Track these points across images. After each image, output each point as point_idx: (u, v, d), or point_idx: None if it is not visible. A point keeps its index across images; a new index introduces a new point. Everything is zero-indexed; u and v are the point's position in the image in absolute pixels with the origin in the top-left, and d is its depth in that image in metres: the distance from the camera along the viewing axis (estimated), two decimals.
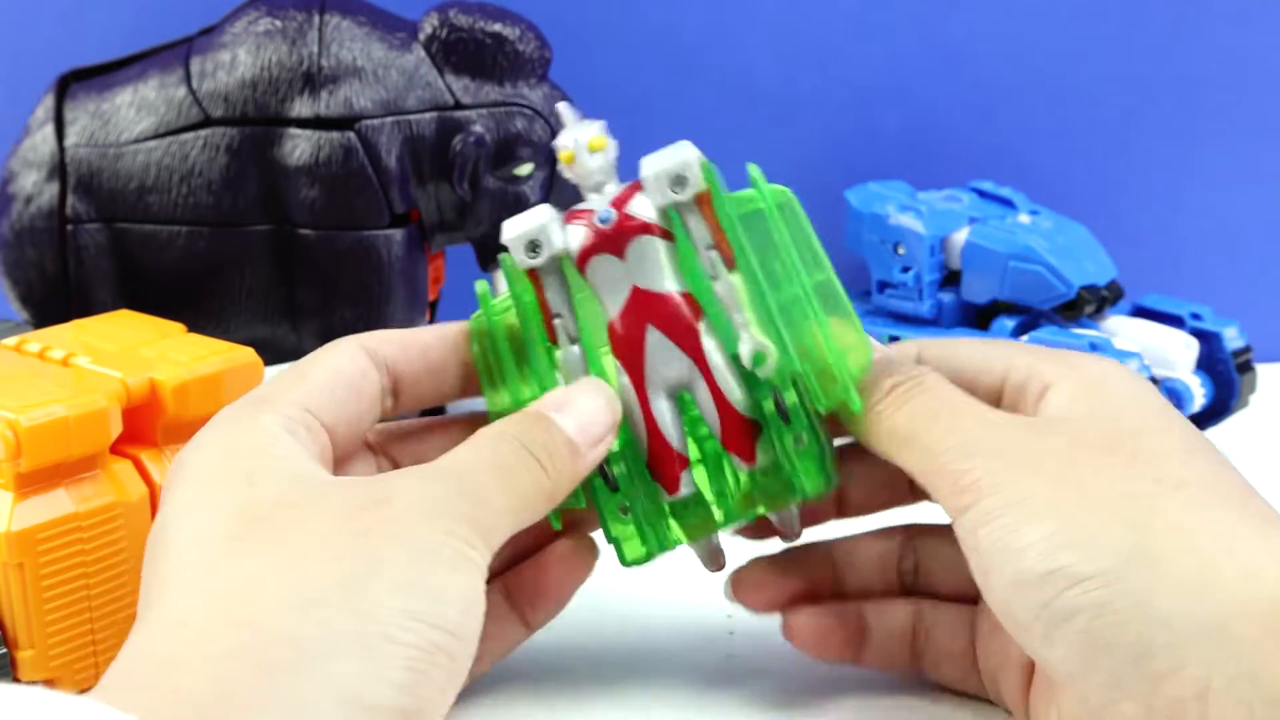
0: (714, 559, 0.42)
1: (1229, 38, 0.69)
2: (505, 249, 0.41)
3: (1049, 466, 0.36)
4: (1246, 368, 0.61)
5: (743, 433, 0.40)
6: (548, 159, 0.57)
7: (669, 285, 0.40)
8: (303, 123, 0.56)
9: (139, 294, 0.57)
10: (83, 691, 0.31)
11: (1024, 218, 0.61)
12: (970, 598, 0.42)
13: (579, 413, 0.39)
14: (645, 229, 0.40)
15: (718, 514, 0.41)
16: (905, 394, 0.39)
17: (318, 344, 0.41)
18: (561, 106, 0.41)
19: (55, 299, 0.57)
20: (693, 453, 0.41)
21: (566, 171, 0.41)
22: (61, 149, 0.57)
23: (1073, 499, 0.35)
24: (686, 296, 0.40)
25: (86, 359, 0.43)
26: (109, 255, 0.57)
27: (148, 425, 0.42)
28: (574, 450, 0.38)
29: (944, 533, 0.42)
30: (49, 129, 0.57)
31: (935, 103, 0.70)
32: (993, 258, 0.59)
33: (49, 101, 0.58)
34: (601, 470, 0.40)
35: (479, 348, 0.41)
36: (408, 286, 0.57)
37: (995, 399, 0.40)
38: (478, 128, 0.56)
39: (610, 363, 0.41)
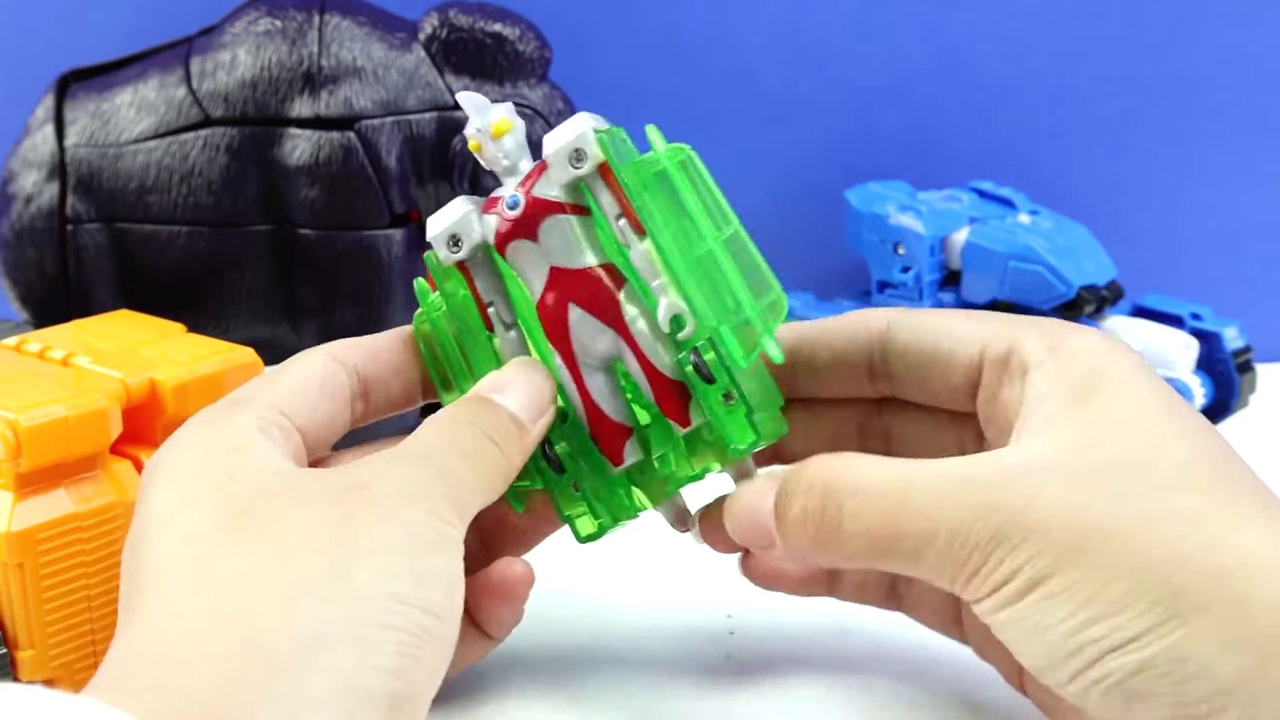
0: (680, 520, 0.42)
1: (1229, 38, 0.69)
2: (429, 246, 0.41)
3: (1056, 526, 0.33)
4: (1246, 368, 0.61)
5: (675, 396, 0.40)
6: None
7: (587, 260, 0.40)
8: (303, 123, 0.56)
9: (139, 294, 0.57)
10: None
11: (1024, 218, 0.61)
12: None
13: (517, 391, 0.39)
14: (553, 208, 0.40)
15: (666, 477, 0.41)
16: (829, 511, 0.36)
17: (317, 344, 0.41)
18: (462, 96, 0.40)
19: (55, 299, 0.57)
20: (641, 418, 0.41)
21: (481, 160, 0.41)
22: (61, 149, 0.57)
23: (1092, 564, 0.33)
24: (608, 268, 0.40)
25: (86, 359, 0.43)
26: (109, 255, 0.57)
27: (148, 425, 0.42)
28: (520, 426, 0.39)
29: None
30: (49, 129, 0.57)
31: (935, 103, 0.70)
32: (993, 258, 0.59)
33: (49, 101, 0.58)
34: (545, 454, 0.40)
35: (425, 347, 0.42)
36: (408, 287, 0.57)
37: (974, 375, 0.39)
38: None
39: None
